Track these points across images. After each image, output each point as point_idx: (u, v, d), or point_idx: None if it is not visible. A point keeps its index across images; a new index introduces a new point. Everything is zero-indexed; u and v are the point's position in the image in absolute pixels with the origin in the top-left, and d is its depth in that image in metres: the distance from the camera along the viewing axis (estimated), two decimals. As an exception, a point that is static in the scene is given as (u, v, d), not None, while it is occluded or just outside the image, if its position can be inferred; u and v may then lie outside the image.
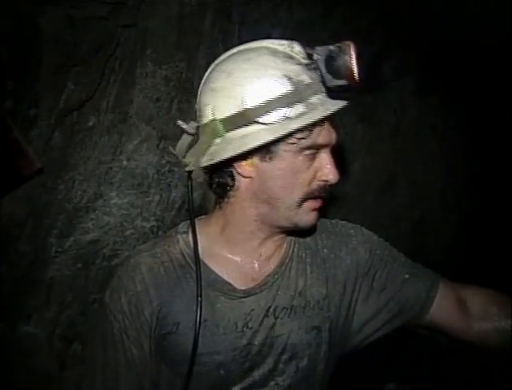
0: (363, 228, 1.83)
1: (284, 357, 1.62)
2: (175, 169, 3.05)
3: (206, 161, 1.49)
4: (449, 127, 4.39)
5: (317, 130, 1.44)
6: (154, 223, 3.04)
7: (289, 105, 1.41)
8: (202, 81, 1.59)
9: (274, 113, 1.41)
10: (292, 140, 1.44)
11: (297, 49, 1.49)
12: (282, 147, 1.45)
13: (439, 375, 3.90)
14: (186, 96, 3.01)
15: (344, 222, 1.84)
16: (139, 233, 3.01)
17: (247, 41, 1.58)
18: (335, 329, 1.69)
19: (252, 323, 1.59)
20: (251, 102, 1.43)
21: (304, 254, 1.71)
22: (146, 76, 2.90)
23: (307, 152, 1.46)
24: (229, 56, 1.57)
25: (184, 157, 1.58)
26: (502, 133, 4.50)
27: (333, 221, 1.84)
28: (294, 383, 1.64)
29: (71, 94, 2.65)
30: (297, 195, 1.50)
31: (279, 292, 1.63)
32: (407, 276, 1.74)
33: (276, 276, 1.64)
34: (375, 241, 1.80)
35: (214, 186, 1.59)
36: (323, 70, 1.45)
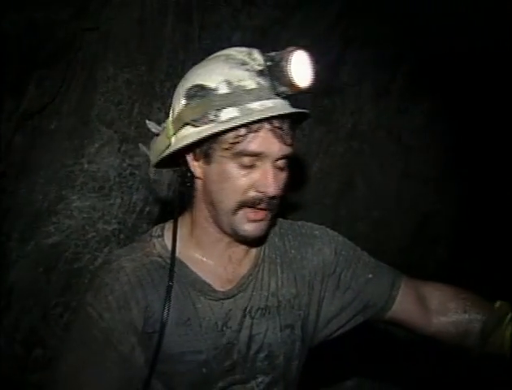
0: (328, 229, 1.89)
1: (261, 355, 1.68)
2: (136, 172, 3.05)
3: (154, 160, 1.61)
4: (405, 130, 4.47)
5: (250, 137, 1.45)
6: (115, 226, 3.03)
7: (220, 108, 1.45)
8: None
9: (203, 116, 1.46)
10: (225, 145, 1.47)
11: (254, 55, 1.52)
12: (218, 152, 1.49)
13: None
14: (147, 99, 3.00)
15: (310, 223, 1.90)
16: (100, 236, 3.00)
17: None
18: (306, 326, 1.76)
19: (231, 323, 1.64)
20: (186, 104, 1.50)
21: (274, 255, 1.76)
22: (108, 80, 2.90)
23: (242, 159, 1.48)
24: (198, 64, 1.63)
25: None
26: (458, 135, 4.61)
27: (299, 222, 1.89)
28: (273, 380, 1.70)
29: (33, 97, 2.63)
30: (232, 202, 1.53)
31: (253, 293, 1.69)
32: (370, 276, 1.82)
33: (250, 278, 1.70)
34: (341, 242, 1.86)
35: (180, 187, 1.64)
36: (271, 76, 1.48)
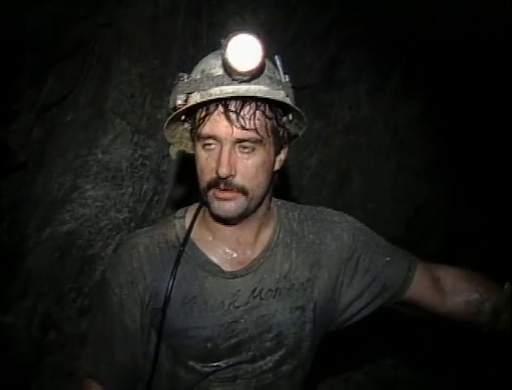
0: (347, 215, 1.93)
1: (270, 335, 1.74)
2: (147, 162, 3.14)
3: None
4: (400, 124, 4.57)
5: (206, 120, 1.53)
6: (126, 215, 3.13)
7: (187, 92, 1.56)
8: None
9: (175, 100, 1.58)
10: (193, 128, 1.60)
11: None
12: (194, 132, 1.60)
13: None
14: (159, 92, 3.10)
15: (329, 209, 1.94)
16: (113, 224, 3.09)
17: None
18: (319, 309, 1.79)
19: (238, 303, 1.71)
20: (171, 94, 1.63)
21: (289, 240, 1.81)
22: (122, 73, 2.99)
23: (204, 142, 1.56)
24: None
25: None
26: (452, 129, 4.72)
27: (318, 208, 1.94)
28: (281, 359, 1.76)
29: (52, 90, 2.73)
30: (202, 182, 1.61)
31: (264, 275, 1.74)
32: (388, 259, 1.87)
33: (262, 260, 1.75)
34: (359, 227, 1.90)
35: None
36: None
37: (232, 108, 1.51)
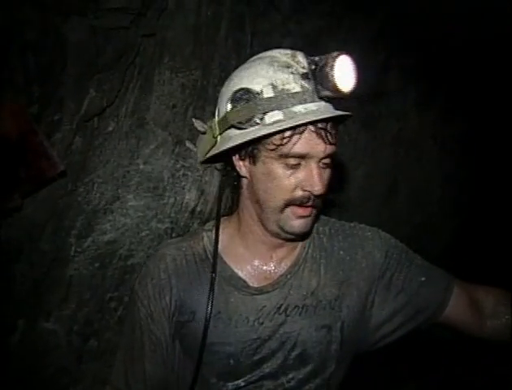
0: (381, 231, 1.89)
1: (294, 353, 1.71)
2: (189, 173, 3.14)
3: (200, 158, 1.67)
4: (449, 136, 4.49)
5: (295, 138, 1.49)
6: (168, 225, 3.13)
7: (265, 112, 1.50)
8: None
9: (248, 119, 1.51)
10: (271, 146, 1.52)
11: (298, 58, 1.56)
12: (263, 153, 1.55)
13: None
14: (201, 103, 3.10)
15: (362, 225, 1.90)
16: (154, 235, 3.10)
17: (259, 52, 1.66)
18: (347, 329, 1.75)
19: (263, 319, 1.69)
20: (232, 107, 1.55)
21: (318, 256, 1.78)
22: (163, 84, 3.00)
23: (288, 160, 1.52)
24: (243, 64, 1.68)
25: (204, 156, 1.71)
26: (500, 142, 4.61)
27: (352, 224, 1.90)
28: (305, 378, 1.73)
29: (93, 100, 2.75)
30: (279, 200, 1.57)
31: (291, 292, 1.72)
32: (424, 279, 1.80)
33: (289, 276, 1.73)
34: (392, 245, 1.85)
35: (229, 184, 1.72)
36: (315, 80, 1.51)
37: (320, 126, 1.51)
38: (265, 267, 1.74)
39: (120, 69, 2.82)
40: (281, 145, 1.50)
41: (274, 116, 1.50)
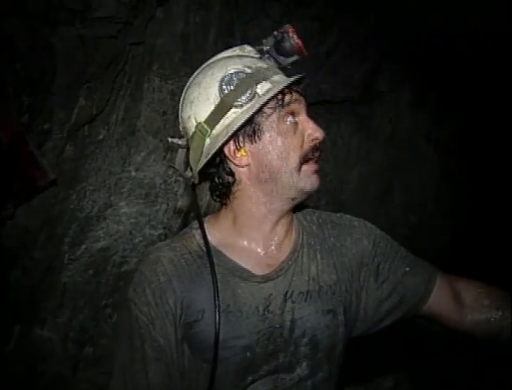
0: (367, 222, 1.87)
1: (305, 339, 1.70)
2: (181, 179, 3.14)
3: (202, 161, 1.64)
4: (443, 136, 4.49)
5: (287, 98, 1.55)
6: (161, 231, 3.15)
7: (256, 83, 1.55)
8: (180, 103, 1.68)
9: (245, 94, 1.54)
10: (269, 111, 1.55)
11: (247, 49, 1.63)
12: (265, 122, 1.56)
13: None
14: (191, 109, 3.10)
15: (348, 215, 1.89)
16: (147, 241, 3.11)
17: None
18: (348, 313, 1.76)
19: (272, 307, 1.67)
20: (224, 92, 1.56)
21: (313, 242, 1.78)
22: (153, 91, 3.03)
23: (287, 119, 1.58)
24: (195, 74, 1.69)
25: (184, 171, 1.71)
26: (494, 141, 4.61)
27: (338, 214, 1.89)
28: (317, 364, 1.72)
29: (83, 109, 2.77)
30: (294, 160, 1.58)
31: (294, 278, 1.70)
32: (407, 269, 1.80)
33: (290, 262, 1.71)
34: (378, 234, 1.84)
35: (219, 188, 1.71)
36: (275, 54, 1.61)
37: (295, 87, 1.57)
38: (266, 254, 1.71)
39: (109, 77, 2.84)
40: (278, 107, 1.55)
41: (264, 86, 1.55)
